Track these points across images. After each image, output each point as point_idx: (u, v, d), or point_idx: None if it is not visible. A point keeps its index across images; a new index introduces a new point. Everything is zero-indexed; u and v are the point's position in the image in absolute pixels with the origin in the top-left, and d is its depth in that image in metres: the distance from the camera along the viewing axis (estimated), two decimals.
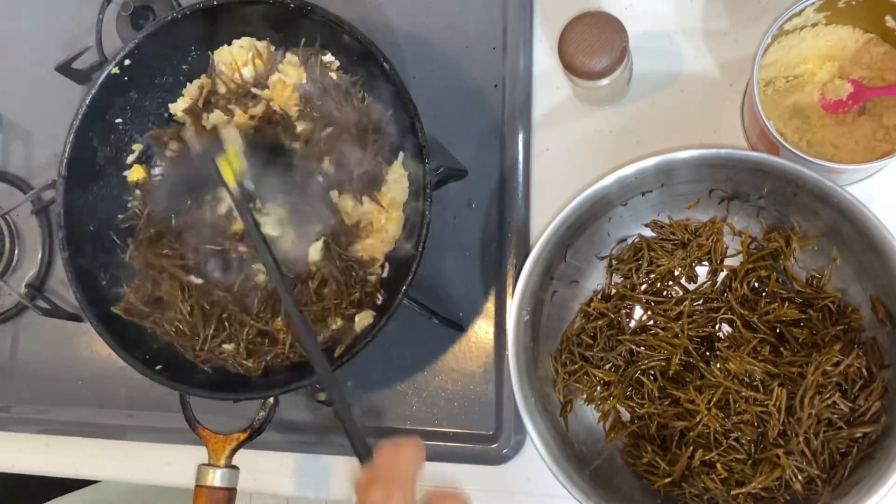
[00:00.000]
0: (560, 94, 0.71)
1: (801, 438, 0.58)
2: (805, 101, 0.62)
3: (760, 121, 0.58)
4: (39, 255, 0.83)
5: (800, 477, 0.58)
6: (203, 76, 0.71)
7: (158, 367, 0.65)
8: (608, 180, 0.60)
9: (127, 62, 0.68)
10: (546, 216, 0.69)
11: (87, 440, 0.79)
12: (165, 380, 0.64)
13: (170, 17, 0.66)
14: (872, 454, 0.57)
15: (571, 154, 0.70)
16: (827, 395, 0.58)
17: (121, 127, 0.71)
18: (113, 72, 0.68)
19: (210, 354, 0.67)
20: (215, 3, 0.65)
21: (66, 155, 0.67)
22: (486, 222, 0.71)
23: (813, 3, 0.58)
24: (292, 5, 0.64)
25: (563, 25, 0.61)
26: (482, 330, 0.70)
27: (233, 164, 0.63)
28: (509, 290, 0.69)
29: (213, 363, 0.67)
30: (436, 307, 0.69)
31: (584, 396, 0.65)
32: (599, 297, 0.66)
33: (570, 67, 0.61)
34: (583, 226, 0.63)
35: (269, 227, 0.65)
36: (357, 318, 0.66)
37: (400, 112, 0.65)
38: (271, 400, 0.68)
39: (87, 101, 0.67)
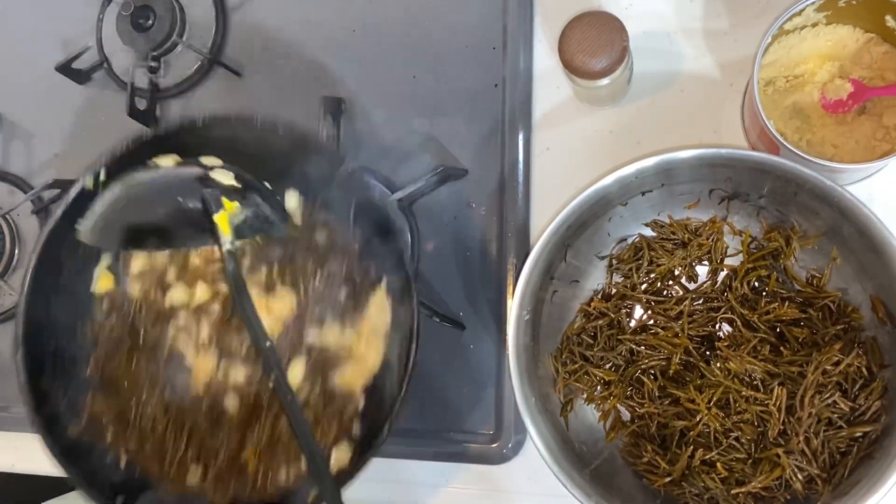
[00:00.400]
0: (560, 94, 0.71)
1: (801, 438, 0.58)
2: (805, 101, 0.62)
3: (760, 120, 0.58)
4: None
5: (800, 476, 0.58)
6: None
7: (120, 501, 0.60)
8: (608, 180, 0.60)
9: (102, 177, 0.59)
10: (546, 216, 0.69)
11: None
12: None
13: (151, 135, 0.60)
14: (872, 454, 0.57)
15: (572, 154, 0.70)
16: (827, 395, 0.58)
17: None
18: (87, 186, 0.59)
19: (176, 477, 0.60)
20: (199, 123, 0.59)
21: (32, 268, 0.60)
22: (486, 222, 0.71)
23: (813, 3, 0.58)
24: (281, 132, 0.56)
25: (564, 25, 0.61)
26: (482, 329, 0.70)
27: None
28: (509, 289, 0.69)
29: (176, 489, 0.60)
30: (436, 306, 0.69)
31: (585, 396, 0.65)
32: (600, 296, 0.66)
33: (571, 67, 0.61)
34: (583, 225, 0.63)
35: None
36: (333, 456, 0.58)
37: (385, 241, 0.59)
38: None
39: (59, 216, 0.60)
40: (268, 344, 0.51)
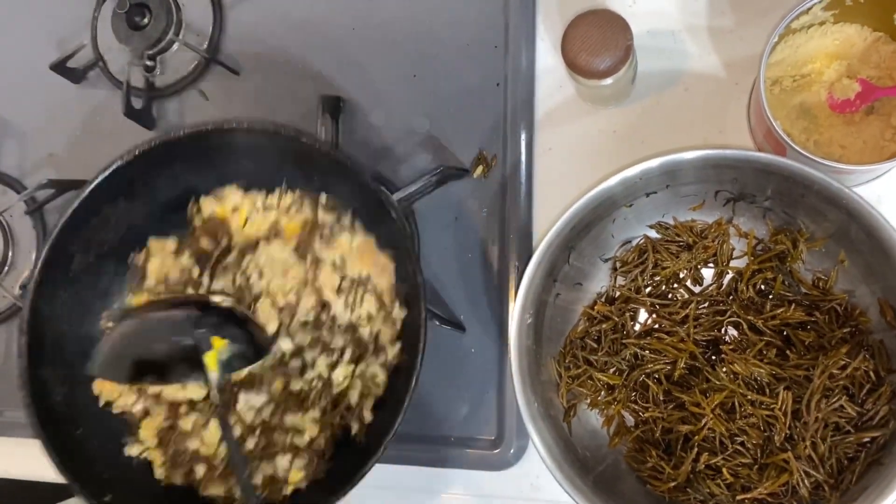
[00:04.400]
0: (563, 94, 0.70)
1: (807, 443, 0.57)
2: (812, 101, 0.62)
3: (767, 121, 0.57)
4: (34, 257, 0.82)
5: (807, 482, 0.57)
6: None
7: (106, 499, 0.61)
8: (612, 181, 0.59)
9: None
10: (549, 217, 0.68)
11: None
12: None
13: (176, 136, 0.64)
14: (881, 459, 0.56)
15: (575, 154, 0.69)
16: (834, 399, 0.58)
17: (104, 236, 0.67)
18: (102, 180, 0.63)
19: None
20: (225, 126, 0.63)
21: (43, 257, 0.63)
22: (487, 223, 0.70)
23: (820, 2, 0.57)
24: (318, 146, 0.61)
25: (566, 23, 0.60)
26: (484, 332, 0.69)
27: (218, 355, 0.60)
28: (511, 292, 0.68)
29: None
30: (437, 308, 0.68)
31: (588, 401, 0.64)
32: (603, 299, 0.65)
33: (574, 66, 0.60)
34: (587, 227, 0.62)
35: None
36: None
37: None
38: None
39: (74, 208, 0.63)
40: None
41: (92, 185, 0.64)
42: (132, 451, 0.65)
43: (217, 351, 0.58)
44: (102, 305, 0.68)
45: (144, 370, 0.59)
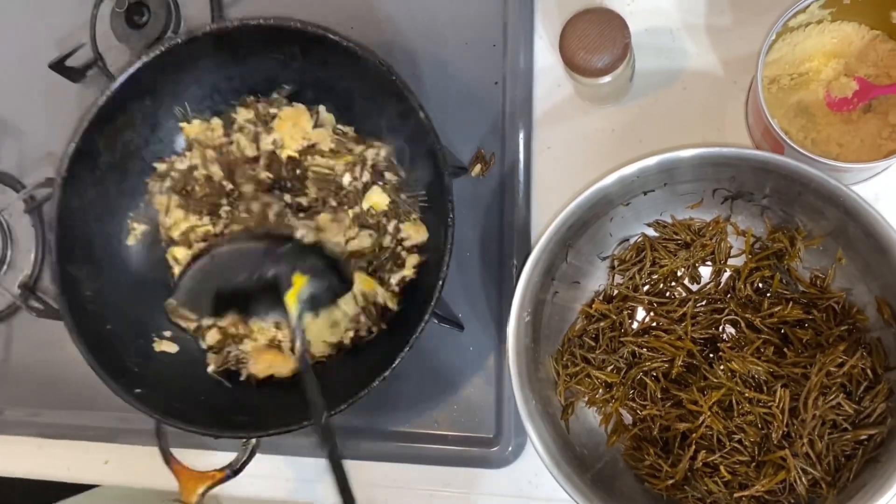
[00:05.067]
0: (561, 92, 0.70)
1: (805, 440, 0.57)
2: (810, 99, 0.61)
3: (765, 119, 0.57)
4: (33, 255, 0.82)
5: (804, 479, 0.57)
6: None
7: (138, 391, 0.63)
8: (610, 179, 0.59)
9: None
10: (547, 215, 0.68)
11: (82, 443, 0.78)
12: (142, 405, 0.62)
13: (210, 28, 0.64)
14: (878, 457, 0.56)
15: (573, 152, 0.69)
16: (831, 397, 0.58)
17: (130, 134, 0.69)
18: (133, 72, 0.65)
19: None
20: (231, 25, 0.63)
21: (71, 152, 0.64)
22: (486, 221, 0.70)
23: (818, 0, 0.57)
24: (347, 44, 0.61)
25: (565, 22, 0.60)
26: (482, 331, 0.69)
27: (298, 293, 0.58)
28: (510, 290, 0.68)
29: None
30: (435, 307, 0.68)
31: (586, 399, 0.64)
32: (601, 297, 0.65)
33: (572, 65, 0.60)
34: (584, 225, 0.62)
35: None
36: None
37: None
38: (253, 441, 0.62)
39: (101, 104, 0.64)
40: (324, 416, 0.55)
41: (118, 83, 0.64)
42: (161, 347, 0.67)
43: (298, 290, 0.56)
44: (129, 206, 0.70)
45: (225, 303, 0.58)
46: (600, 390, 0.63)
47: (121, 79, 0.65)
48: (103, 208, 0.68)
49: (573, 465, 0.59)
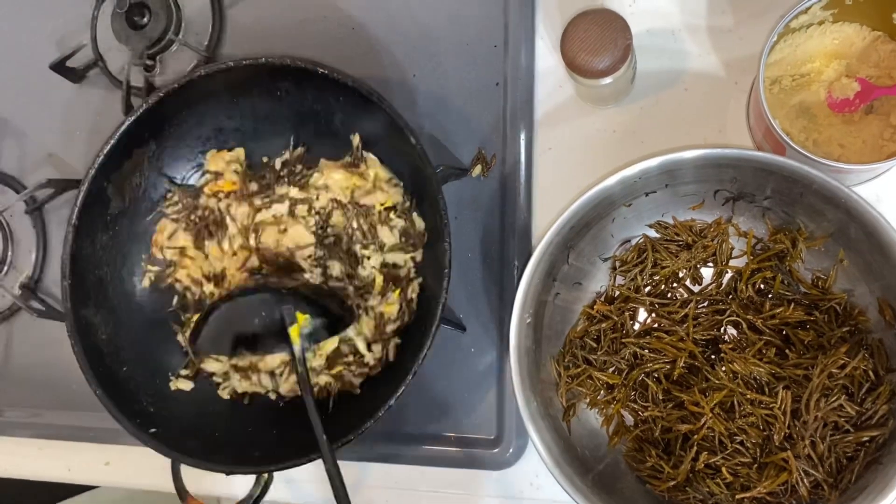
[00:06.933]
0: (562, 93, 0.70)
1: (807, 442, 0.57)
2: (811, 100, 0.61)
3: (766, 120, 0.57)
4: (33, 256, 0.82)
5: (806, 481, 0.57)
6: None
7: (152, 431, 0.64)
8: (611, 181, 0.59)
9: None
10: (548, 217, 0.68)
11: (82, 444, 0.78)
12: (159, 445, 0.63)
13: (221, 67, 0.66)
14: (880, 458, 0.56)
15: (574, 154, 0.69)
16: (833, 398, 0.58)
17: (137, 179, 0.70)
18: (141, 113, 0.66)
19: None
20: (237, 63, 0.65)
21: (80, 201, 0.66)
22: (487, 222, 0.70)
23: (819, 1, 0.57)
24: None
25: (566, 23, 0.60)
26: (483, 332, 0.69)
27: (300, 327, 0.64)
28: (511, 291, 0.68)
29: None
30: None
31: (588, 400, 0.64)
32: (603, 299, 0.65)
33: (573, 66, 0.60)
34: (586, 227, 0.62)
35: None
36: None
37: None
38: (266, 476, 0.65)
39: (111, 145, 0.66)
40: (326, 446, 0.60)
41: (120, 130, 0.66)
42: (177, 385, 0.69)
43: (300, 325, 0.62)
44: (142, 248, 0.71)
45: (239, 344, 0.65)
46: (602, 391, 0.63)
47: (122, 127, 0.66)
48: (116, 253, 0.70)
49: (575, 466, 0.59)
